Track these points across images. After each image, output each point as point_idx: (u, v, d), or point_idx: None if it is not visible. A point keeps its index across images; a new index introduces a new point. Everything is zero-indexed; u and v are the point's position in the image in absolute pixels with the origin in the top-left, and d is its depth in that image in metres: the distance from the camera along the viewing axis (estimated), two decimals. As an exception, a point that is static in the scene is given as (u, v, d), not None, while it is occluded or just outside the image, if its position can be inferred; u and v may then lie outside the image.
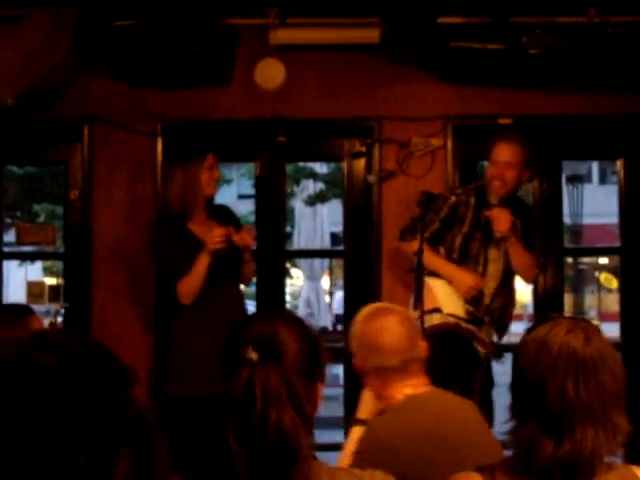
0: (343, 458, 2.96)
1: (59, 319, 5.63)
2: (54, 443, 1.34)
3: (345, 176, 5.80)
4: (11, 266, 14.11)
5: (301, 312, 13.96)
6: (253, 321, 2.10)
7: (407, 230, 4.87)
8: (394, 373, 2.90)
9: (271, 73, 5.40)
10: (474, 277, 4.75)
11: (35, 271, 13.99)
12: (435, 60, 5.29)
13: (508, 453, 2.18)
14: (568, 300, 13.47)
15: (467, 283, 4.73)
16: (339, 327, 12.52)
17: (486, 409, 3.78)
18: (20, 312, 3.16)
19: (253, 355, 1.96)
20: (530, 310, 6.76)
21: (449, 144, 5.48)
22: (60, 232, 6.13)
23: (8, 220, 11.88)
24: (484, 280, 4.78)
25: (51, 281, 10.89)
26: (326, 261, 14.14)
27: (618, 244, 5.88)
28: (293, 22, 5.28)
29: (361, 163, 5.68)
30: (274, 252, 5.61)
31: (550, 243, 5.50)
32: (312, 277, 13.93)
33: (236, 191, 19.04)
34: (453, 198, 4.84)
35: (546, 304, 5.67)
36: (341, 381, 6.59)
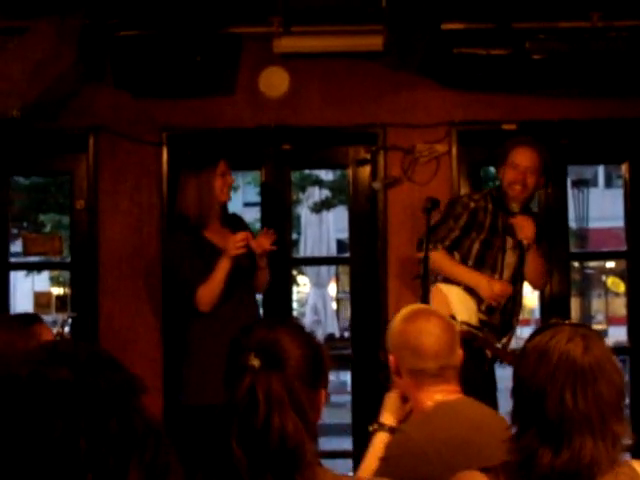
0: (367, 464, 2.91)
1: (66, 329, 5.64)
2: (63, 459, 1.31)
3: (350, 183, 5.81)
4: (18, 276, 14.15)
5: (308, 319, 13.96)
6: (255, 329, 2.11)
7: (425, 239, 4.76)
8: (429, 377, 2.85)
9: (275, 81, 5.41)
10: (501, 284, 4.71)
11: (42, 281, 13.99)
12: (439, 66, 5.30)
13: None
14: (575, 304, 13.47)
15: (495, 291, 4.68)
16: (346, 334, 12.50)
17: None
18: (28, 320, 3.16)
19: (255, 362, 1.97)
20: (537, 315, 6.75)
21: (453, 150, 5.48)
22: (67, 242, 6.14)
23: (15, 231, 11.89)
24: (511, 287, 4.75)
25: (58, 291, 10.92)
26: (333, 268, 14.14)
27: (624, 248, 5.88)
28: (297, 30, 5.29)
29: (366, 170, 5.69)
30: (280, 260, 5.62)
31: (556, 248, 5.49)
32: (319, 284, 13.92)
33: (242, 199, 19.03)
34: (472, 204, 4.80)
35: (553, 309, 5.66)
36: (349, 388, 6.59)
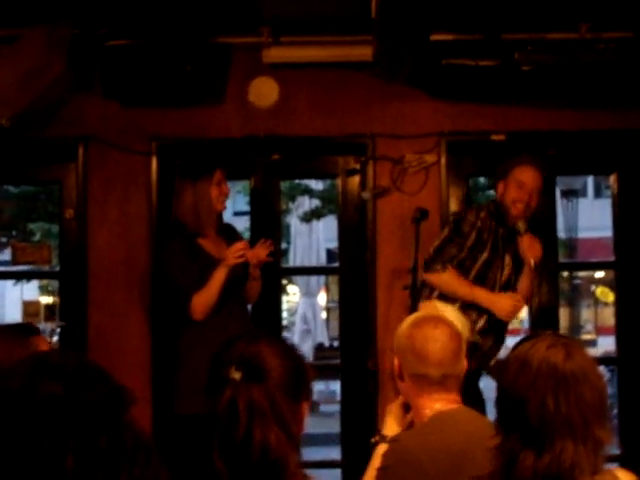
0: (368, 477, 2.89)
1: (55, 338, 5.63)
2: (50, 476, 1.30)
3: (340, 193, 5.82)
4: (7, 285, 14.11)
5: (298, 328, 13.95)
6: (236, 342, 2.10)
7: (433, 260, 4.71)
8: (431, 384, 2.85)
9: (265, 91, 5.42)
10: (513, 300, 4.69)
11: (31, 290, 13.96)
12: (428, 77, 5.31)
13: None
14: (564, 314, 13.50)
15: (507, 308, 4.66)
16: (335, 343, 12.50)
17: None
18: (26, 332, 3.15)
19: (236, 375, 1.97)
20: (526, 325, 6.76)
21: (442, 160, 5.49)
22: (56, 251, 6.13)
23: (4, 239, 11.88)
24: (523, 302, 4.73)
25: (47, 300, 10.88)
26: (322, 277, 14.13)
27: (613, 258, 5.89)
28: (286, 40, 5.31)
29: (355, 180, 5.69)
30: (270, 269, 5.61)
31: (545, 258, 5.50)
32: (308, 293, 13.91)
33: (232, 208, 19.03)
34: (479, 223, 4.75)
35: (542, 319, 5.67)
36: (338, 397, 6.59)
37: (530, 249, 4.70)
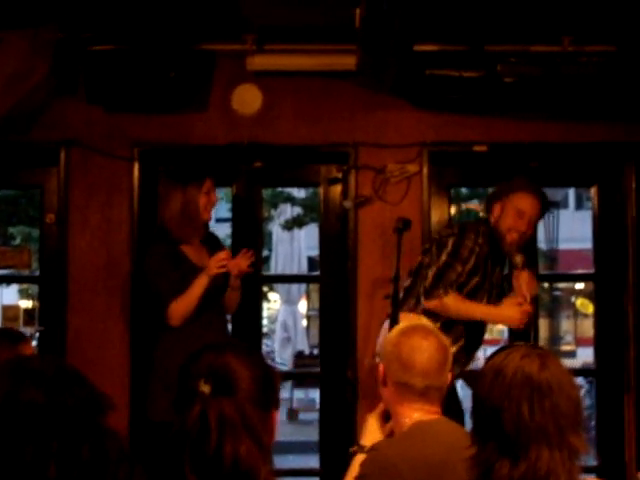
0: None
1: (33, 343, 5.60)
2: None
3: (322, 202, 5.82)
4: (-14, 289, 14.03)
5: (278, 336, 13.95)
6: (204, 354, 2.09)
7: (434, 286, 4.60)
8: (414, 394, 2.87)
9: (248, 99, 5.42)
10: (517, 309, 4.63)
11: (10, 294, 13.88)
12: (411, 87, 5.32)
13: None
14: (544, 325, 13.52)
15: (515, 316, 4.62)
16: (316, 351, 12.49)
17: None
18: (15, 339, 3.14)
19: (205, 388, 1.96)
20: (505, 335, 6.79)
21: (425, 170, 5.50)
22: (36, 255, 6.11)
23: (-16, 243, 11.81)
24: (531, 306, 4.71)
25: (26, 304, 10.83)
26: (303, 285, 14.14)
27: (593, 270, 5.91)
28: (270, 48, 5.31)
29: (337, 189, 5.70)
30: (251, 277, 5.61)
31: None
32: (289, 301, 13.92)
33: (213, 215, 19.01)
34: (477, 249, 4.68)
35: (521, 329, 5.67)
36: (317, 406, 6.59)
37: (528, 285, 4.67)
